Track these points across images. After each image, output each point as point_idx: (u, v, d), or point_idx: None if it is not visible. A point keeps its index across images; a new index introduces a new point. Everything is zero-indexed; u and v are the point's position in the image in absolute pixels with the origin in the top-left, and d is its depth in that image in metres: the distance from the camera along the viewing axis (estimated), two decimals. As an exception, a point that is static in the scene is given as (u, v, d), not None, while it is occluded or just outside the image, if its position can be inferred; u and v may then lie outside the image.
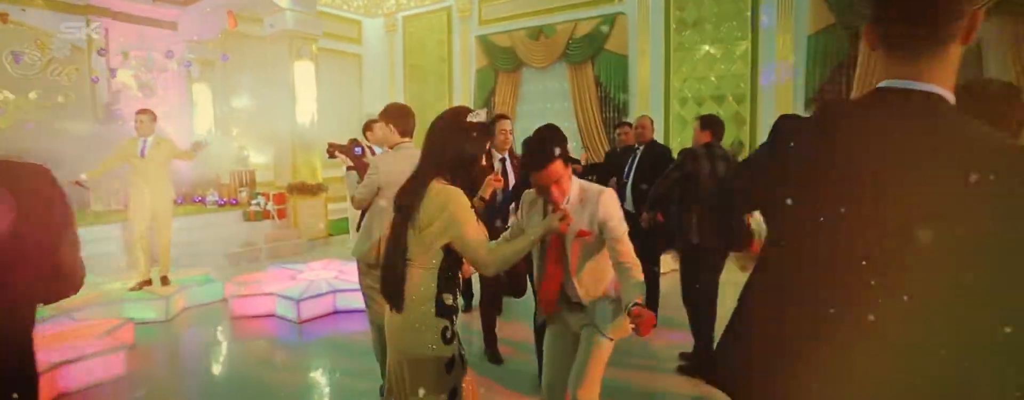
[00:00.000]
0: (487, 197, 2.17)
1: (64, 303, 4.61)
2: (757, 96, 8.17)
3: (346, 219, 7.75)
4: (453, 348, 1.81)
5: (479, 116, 1.82)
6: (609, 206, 1.96)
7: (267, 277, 5.12)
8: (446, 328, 1.78)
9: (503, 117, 3.44)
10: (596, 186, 2.04)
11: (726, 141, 4.73)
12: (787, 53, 7.88)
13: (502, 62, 10.19)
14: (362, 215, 3.00)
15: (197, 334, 4.42)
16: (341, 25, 11.70)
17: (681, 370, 3.39)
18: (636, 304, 1.71)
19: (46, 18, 7.86)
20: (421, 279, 1.75)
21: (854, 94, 7.08)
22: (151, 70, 9.68)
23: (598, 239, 1.98)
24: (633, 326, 1.66)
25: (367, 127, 4.44)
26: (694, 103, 8.60)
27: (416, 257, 1.76)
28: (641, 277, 1.86)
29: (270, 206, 7.69)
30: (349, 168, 3.45)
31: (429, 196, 1.73)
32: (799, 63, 7.77)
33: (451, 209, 1.70)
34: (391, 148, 2.78)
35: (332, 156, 3.41)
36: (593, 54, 9.17)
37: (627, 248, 1.94)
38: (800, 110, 7.78)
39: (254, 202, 7.69)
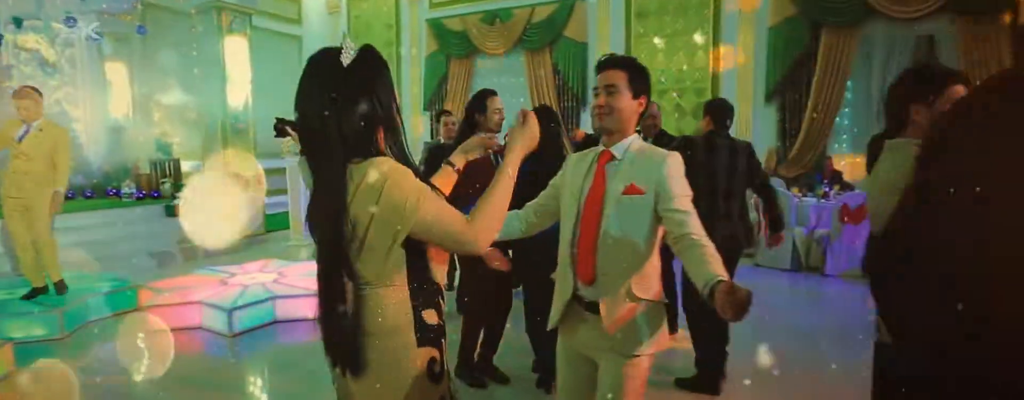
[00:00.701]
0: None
1: None
2: (718, 87, 8.03)
3: (286, 214, 7.04)
4: (442, 387, 1.34)
5: (349, 50, 1.24)
6: (675, 170, 1.53)
7: (192, 282, 4.43)
8: (433, 360, 1.30)
9: (492, 93, 2.90)
10: (662, 149, 1.60)
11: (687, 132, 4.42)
12: (748, 44, 7.76)
13: (454, 48, 9.65)
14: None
15: (99, 355, 3.69)
16: (279, 3, 10.79)
17: (680, 384, 3.04)
18: (721, 280, 1.25)
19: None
20: (387, 301, 1.24)
21: (814, 87, 7.05)
22: (53, 43, 8.55)
23: (643, 220, 1.53)
24: (726, 307, 1.17)
25: None
26: (655, 93, 8.37)
27: (372, 276, 1.23)
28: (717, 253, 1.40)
29: (199, 199, 6.87)
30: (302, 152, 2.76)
31: (351, 189, 1.17)
32: (760, 54, 7.66)
33: (387, 188, 1.15)
34: None
35: (282, 134, 2.74)
36: (551, 40, 8.81)
37: (697, 221, 1.48)
38: (759, 102, 7.71)
39: (179, 194, 6.84)
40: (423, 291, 1.28)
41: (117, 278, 4.68)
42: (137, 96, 9.00)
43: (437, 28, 10.02)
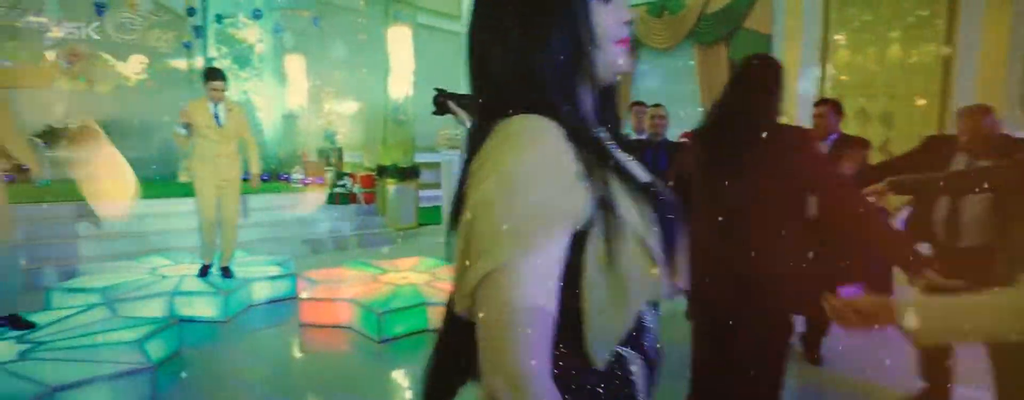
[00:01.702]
0: None
1: (109, 291, 3.98)
2: (949, 91, 6.44)
3: (439, 208, 6.89)
4: None
5: None
6: None
7: (344, 275, 4.25)
8: None
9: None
10: None
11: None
12: (1001, 36, 6.10)
13: (616, 42, 8.94)
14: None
15: (253, 342, 3.62)
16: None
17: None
18: None
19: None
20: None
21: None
22: (245, 38, 9.29)
23: None
24: None
25: None
26: (860, 96, 6.96)
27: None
28: None
29: (356, 189, 6.94)
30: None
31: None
32: (1017, 50, 5.98)
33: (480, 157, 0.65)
34: None
35: (442, 110, 2.19)
36: (728, 33, 7.75)
37: None
38: (1015, 110, 6.04)
39: (339, 183, 6.97)
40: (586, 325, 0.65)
41: (278, 264, 4.68)
42: (310, 87, 9.54)
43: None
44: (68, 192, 5.78)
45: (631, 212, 0.66)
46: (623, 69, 0.73)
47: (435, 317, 3.65)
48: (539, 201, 0.59)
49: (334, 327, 3.69)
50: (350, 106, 8.35)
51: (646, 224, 0.67)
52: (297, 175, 7.50)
